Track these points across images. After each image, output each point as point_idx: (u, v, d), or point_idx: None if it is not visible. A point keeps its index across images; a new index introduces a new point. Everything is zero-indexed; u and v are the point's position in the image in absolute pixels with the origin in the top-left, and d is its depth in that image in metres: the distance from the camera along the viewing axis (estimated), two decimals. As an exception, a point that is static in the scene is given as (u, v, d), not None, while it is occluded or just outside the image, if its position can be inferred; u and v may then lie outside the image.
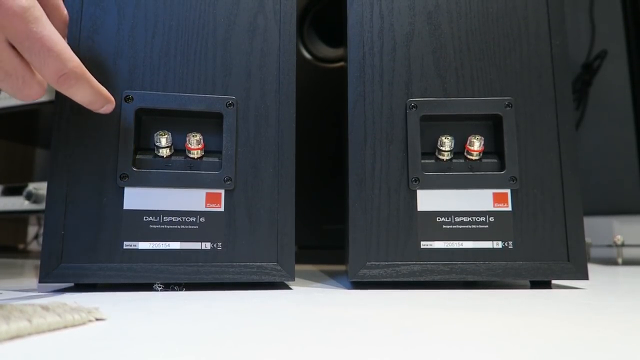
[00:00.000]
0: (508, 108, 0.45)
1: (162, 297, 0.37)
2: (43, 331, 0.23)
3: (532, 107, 0.45)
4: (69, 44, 0.41)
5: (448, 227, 0.44)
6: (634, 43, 1.00)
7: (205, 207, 0.43)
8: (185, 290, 0.41)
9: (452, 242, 0.44)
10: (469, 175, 0.44)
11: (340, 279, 0.54)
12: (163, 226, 0.42)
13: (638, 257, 0.92)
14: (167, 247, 0.42)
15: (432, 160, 0.45)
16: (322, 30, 0.90)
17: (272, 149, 0.44)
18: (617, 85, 1.04)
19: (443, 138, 0.44)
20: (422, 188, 0.44)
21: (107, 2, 0.44)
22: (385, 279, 0.43)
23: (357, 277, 0.43)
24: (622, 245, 0.80)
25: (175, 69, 0.44)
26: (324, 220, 0.86)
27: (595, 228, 0.94)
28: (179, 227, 0.42)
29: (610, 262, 0.85)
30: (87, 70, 0.36)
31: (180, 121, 0.44)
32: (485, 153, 0.45)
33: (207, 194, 0.43)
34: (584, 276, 0.43)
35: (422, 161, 0.45)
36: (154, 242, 0.42)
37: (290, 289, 0.44)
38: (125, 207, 0.42)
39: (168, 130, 0.42)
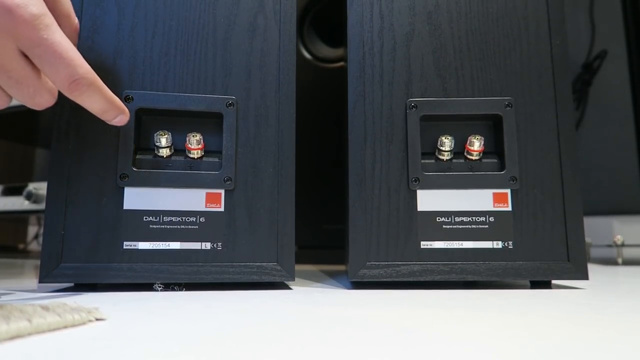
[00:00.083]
0: (508, 108, 0.45)
1: (162, 297, 0.37)
2: (43, 331, 0.23)
3: (532, 107, 0.45)
4: None
5: (448, 227, 0.44)
6: (634, 43, 1.00)
7: (205, 207, 0.43)
8: (185, 290, 0.41)
9: (452, 242, 0.44)
10: (469, 175, 0.44)
11: (340, 279, 0.54)
12: (163, 226, 0.42)
13: (638, 257, 0.92)
14: (167, 247, 0.42)
15: (432, 160, 0.45)
16: (322, 30, 0.90)
17: (272, 149, 0.44)
18: (617, 85, 1.04)
19: (443, 138, 0.44)
20: (422, 188, 0.44)
21: (107, 2, 0.44)
22: (385, 279, 0.43)
23: (357, 277, 0.43)
24: (622, 245, 0.80)
25: (175, 69, 0.44)
26: (324, 220, 0.86)
27: (595, 228, 0.94)
28: (179, 227, 0.42)
29: (610, 262, 0.85)
30: (98, 78, 0.36)
31: (180, 121, 0.44)
32: (485, 153, 0.45)
33: (207, 194, 0.43)
34: (584, 276, 0.43)
35: (422, 161, 0.45)
36: (154, 242, 0.42)
37: (290, 289, 0.44)
38: (125, 207, 0.42)
39: (168, 130, 0.42)
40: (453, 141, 0.44)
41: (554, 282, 0.47)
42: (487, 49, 0.46)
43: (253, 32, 0.45)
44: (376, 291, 0.41)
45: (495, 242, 0.44)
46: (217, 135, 0.44)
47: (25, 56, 0.33)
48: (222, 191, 0.43)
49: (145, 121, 0.44)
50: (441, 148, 0.45)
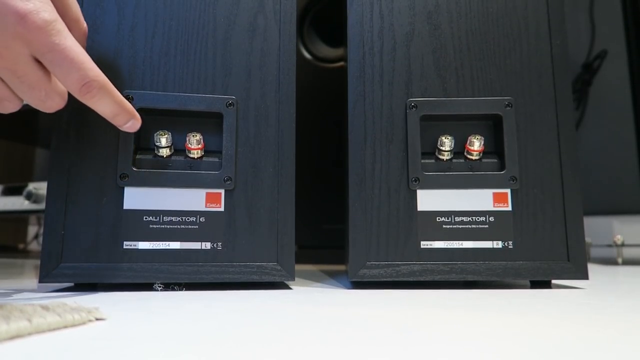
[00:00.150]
0: (508, 108, 0.45)
1: (162, 297, 0.37)
2: (43, 331, 0.23)
3: (532, 107, 0.45)
4: None
5: (448, 227, 0.44)
6: (634, 43, 1.00)
7: (205, 207, 0.43)
8: (185, 290, 0.41)
9: (452, 242, 0.44)
10: (469, 175, 0.44)
11: (340, 278, 0.54)
12: (163, 226, 0.42)
13: (638, 257, 0.92)
14: (167, 247, 0.42)
15: (432, 160, 0.45)
16: (322, 30, 0.90)
17: (272, 149, 0.44)
18: (617, 85, 1.04)
19: (443, 138, 0.44)
20: (422, 188, 0.44)
21: (107, 2, 0.44)
22: (385, 279, 0.43)
23: (357, 277, 0.43)
24: (622, 245, 0.80)
25: (175, 69, 0.44)
26: (324, 220, 0.86)
27: (595, 228, 0.94)
28: (179, 227, 0.42)
29: (610, 262, 0.85)
30: (109, 82, 0.36)
31: (180, 121, 0.44)
32: (485, 153, 0.45)
33: (207, 193, 0.43)
34: (584, 276, 0.43)
35: (422, 161, 0.45)
36: (154, 242, 0.42)
37: (290, 288, 0.44)
38: (125, 207, 0.42)
39: (168, 130, 0.42)
40: (453, 141, 0.44)
41: (554, 282, 0.47)
42: (487, 49, 0.46)
43: (253, 32, 0.45)
44: (376, 291, 0.41)
45: (495, 242, 0.44)
46: (217, 135, 0.44)
47: (37, 61, 0.34)
48: (222, 191, 0.43)
49: (146, 121, 0.44)
50: (441, 148, 0.45)
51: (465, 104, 0.45)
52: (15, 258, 1.02)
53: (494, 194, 0.44)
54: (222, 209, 0.43)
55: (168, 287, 0.42)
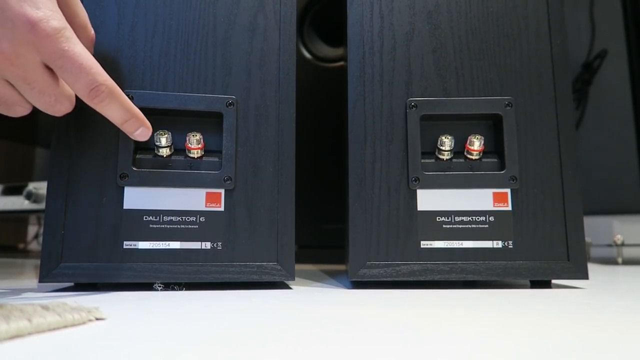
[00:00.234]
0: (508, 108, 0.45)
1: (162, 297, 0.37)
2: (43, 331, 0.23)
3: (532, 107, 0.45)
4: None
5: (448, 226, 0.44)
6: (634, 43, 1.00)
7: (205, 206, 0.43)
8: (185, 289, 0.41)
9: (452, 241, 0.44)
10: (469, 174, 0.44)
11: (340, 278, 0.54)
12: (163, 226, 0.42)
13: (638, 257, 0.92)
14: (167, 247, 0.42)
15: (432, 160, 0.45)
16: (322, 30, 0.90)
17: (272, 149, 0.44)
18: (617, 85, 1.04)
19: (443, 138, 0.44)
20: (422, 188, 0.44)
21: (107, 1, 0.44)
22: (385, 279, 0.43)
23: (357, 277, 0.43)
24: (622, 244, 0.80)
25: (175, 69, 0.44)
26: (324, 220, 0.86)
27: (595, 228, 0.94)
28: (179, 226, 0.42)
29: (610, 261, 0.85)
30: (118, 87, 0.37)
31: (180, 121, 0.44)
32: (485, 153, 0.45)
33: (207, 193, 0.43)
34: (584, 276, 0.43)
35: (422, 161, 0.45)
36: (154, 242, 0.42)
37: (290, 288, 0.44)
38: (125, 207, 0.42)
39: (168, 130, 0.42)
40: (453, 141, 0.44)
41: (554, 281, 0.47)
42: (487, 49, 0.46)
43: (253, 32, 0.45)
44: (376, 291, 0.41)
45: (495, 242, 0.44)
46: (217, 134, 0.44)
47: (47, 67, 0.35)
48: (222, 191, 0.43)
49: (145, 121, 0.44)
50: (441, 148, 0.45)
51: (465, 103, 0.45)
52: (15, 258, 1.02)
53: (494, 193, 0.44)
54: (222, 208, 0.43)
55: (168, 287, 0.42)
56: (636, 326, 0.26)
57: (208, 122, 0.44)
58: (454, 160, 0.45)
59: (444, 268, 0.43)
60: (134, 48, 0.44)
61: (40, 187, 1.02)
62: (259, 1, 0.46)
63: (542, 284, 0.45)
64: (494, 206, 0.44)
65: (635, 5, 1.00)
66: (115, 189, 0.42)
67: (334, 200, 0.85)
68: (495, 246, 0.44)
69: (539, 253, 0.44)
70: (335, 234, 0.84)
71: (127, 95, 0.42)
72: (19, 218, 1.36)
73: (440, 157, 0.45)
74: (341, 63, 0.88)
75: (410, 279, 0.43)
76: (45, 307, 0.24)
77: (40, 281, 0.39)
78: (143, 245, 0.41)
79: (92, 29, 0.40)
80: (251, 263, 0.42)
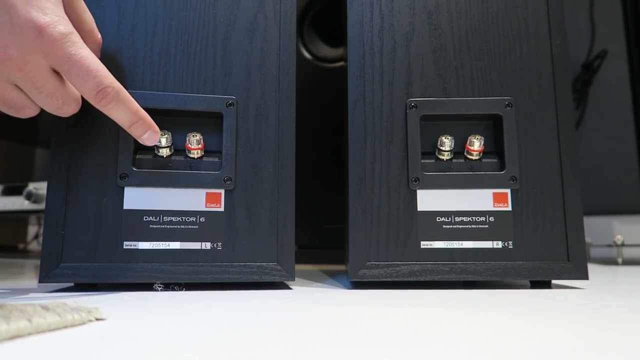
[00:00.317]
0: (508, 108, 0.45)
1: (162, 297, 0.37)
2: (43, 331, 0.23)
3: (532, 107, 0.45)
4: None
5: (448, 227, 0.44)
6: (634, 43, 1.00)
7: (205, 207, 0.43)
8: (185, 290, 0.41)
9: (452, 242, 0.44)
10: (469, 175, 0.44)
11: (340, 278, 0.54)
12: (163, 226, 0.42)
13: (638, 257, 0.92)
14: (167, 247, 0.42)
15: (432, 160, 0.45)
16: (322, 30, 0.90)
17: (272, 149, 0.44)
18: (617, 85, 1.04)
19: (443, 138, 0.44)
20: (422, 188, 0.44)
21: (107, 1, 0.44)
22: (385, 279, 0.43)
23: (357, 277, 0.43)
24: (622, 245, 0.80)
25: (175, 69, 0.44)
26: (324, 220, 0.86)
27: (595, 228, 0.94)
28: (179, 227, 0.42)
29: (610, 262, 0.85)
30: (125, 90, 0.37)
31: (180, 121, 0.44)
32: (485, 153, 0.45)
33: (207, 193, 0.43)
34: (584, 276, 0.43)
35: (422, 161, 0.45)
36: (154, 242, 0.42)
37: (290, 288, 0.44)
38: (125, 207, 0.42)
39: (168, 130, 0.42)
40: (453, 141, 0.44)
41: (554, 282, 0.47)
42: (487, 49, 0.46)
43: (253, 32, 0.45)
44: (376, 291, 0.41)
45: (495, 242, 0.44)
46: (217, 135, 0.44)
47: (54, 71, 0.35)
48: (222, 191, 0.43)
49: (145, 121, 0.44)
50: (441, 148, 0.45)
51: (465, 103, 0.45)
52: (15, 258, 1.02)
53: (494, 194, 0.44)
54: (222, 209, 0.43)
55: (168, 287, 0.42)
56: (636, 326, 0.26)
57: (208, 122, 0.44)
58: (454, 160, 0.45)
59: (444, 268, 0.43)
60: (134, 48, 0.44)
61: (40, 187, 1.02)
62: (259, 1, 0.46)
63: (542, 284, 0.45)
64: (494, 206, 0.44)
65: (635, 6, 1.00)
66: (115, 189, 0.42)
67: (334, 200, 0.85)
68: (495, 246, 0.44)
69: (539, 253, 0.44)
70: (335, 234, 0.84)
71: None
72: (19, 218, 1.36)
73: (440, 157, 0.45)
74: (341, 63, 0.88)
75: (410, 279, 0.43)
76: (45, 308, 0.24)
77: (40, 281, 0.39)
78: (143, 245, 0.41)
79: (99, 33, 0.41)
80: (251, 263, 0.42)
